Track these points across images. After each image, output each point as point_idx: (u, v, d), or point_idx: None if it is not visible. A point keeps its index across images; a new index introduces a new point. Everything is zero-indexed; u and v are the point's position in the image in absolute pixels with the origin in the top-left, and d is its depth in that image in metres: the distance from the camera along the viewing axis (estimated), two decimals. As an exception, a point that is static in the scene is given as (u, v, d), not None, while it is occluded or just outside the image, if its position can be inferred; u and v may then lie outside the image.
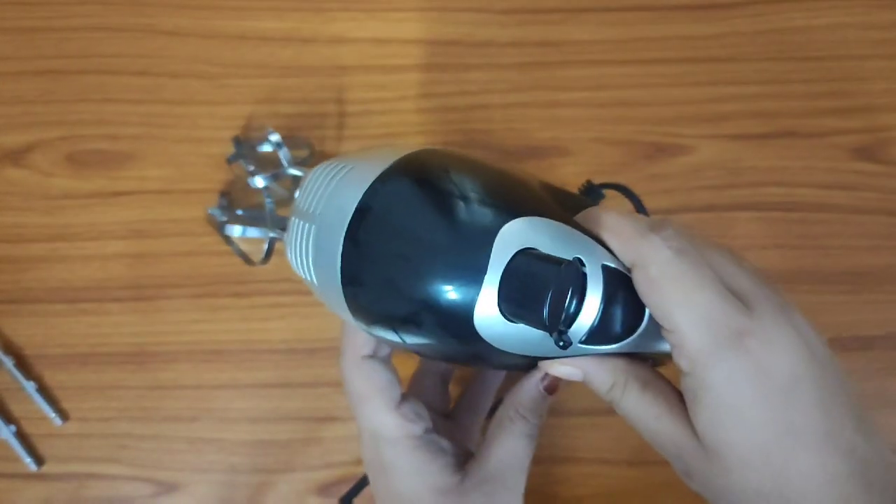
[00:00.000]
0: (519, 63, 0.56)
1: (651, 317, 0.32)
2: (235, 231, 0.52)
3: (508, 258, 0.31)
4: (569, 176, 0.54)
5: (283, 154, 0.51)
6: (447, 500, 0.37)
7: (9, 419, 0.52)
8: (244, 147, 0.52)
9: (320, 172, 0.36)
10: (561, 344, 0.31)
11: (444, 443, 0.39)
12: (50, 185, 0.54)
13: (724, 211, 0.54)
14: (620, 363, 0.34)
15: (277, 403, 0.53)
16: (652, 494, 0.52)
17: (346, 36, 0.55)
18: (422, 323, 0.32)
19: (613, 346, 0.33)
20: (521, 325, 0.31)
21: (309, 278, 0.36)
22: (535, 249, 0.31)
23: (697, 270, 0.31)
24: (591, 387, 0.35)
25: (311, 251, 0.35)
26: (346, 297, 0.34)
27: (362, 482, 0.44)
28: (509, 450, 0.37)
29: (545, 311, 0.29)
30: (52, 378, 0.53)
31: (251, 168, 0.51)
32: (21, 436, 0.52)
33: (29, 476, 0.52)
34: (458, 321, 0.31)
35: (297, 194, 0.38)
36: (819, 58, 0.54)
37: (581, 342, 0.32)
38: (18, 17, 0.54)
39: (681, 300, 0.30)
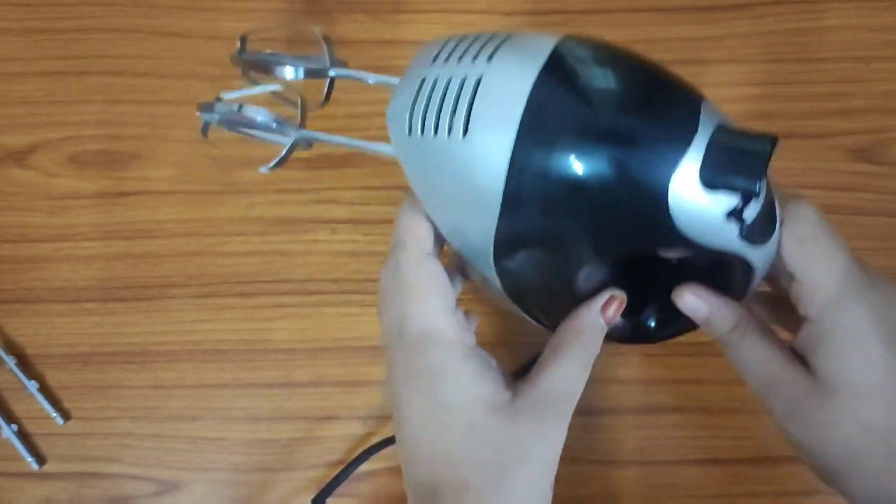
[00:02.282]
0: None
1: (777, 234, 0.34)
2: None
3: (714, 127, 0.31)
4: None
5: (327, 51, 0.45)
6: (496, 415, 0.35)
7: (11, 418, 0.52)
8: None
9: (459, 38, 0.35)
10: (739, 221, 0.32)
11: (493, 360, 0.37)
12: (54, 185, 0.54)
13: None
14: (741, 308, 0.37)
15: (279, 403, 0.53)
16: (652, 495, 0.52)
17: (350, 38, 0.56)
18: (610, 184, 0.31)
19: (758, 246, 0.34)
20: (708, 202, 0.31)
21: (440, 132, 0.33)
22: (726, 124, 0.32)
23: (834, 233, 0.34)
24: (710, 326, 0.37)
25: (469, 102, 0.32)
26: (517, 147, 0.31)
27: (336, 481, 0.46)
28: (563, 375, 0.36)
29: (751, 180, 0.30)
30: (54, 377, 0.53)
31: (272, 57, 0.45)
32: (23, 435, 0.52)
33: (31, 475, 0.52)
34: (654, 179, 0.31)
35: (420, 56, 0.36)
36: (820, 59, 0.54)
37: (739, 235, 0.33)
38: (23, 18, 0.55)
39: (821, 257, 0.34)
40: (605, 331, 0.38)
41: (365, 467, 0.52)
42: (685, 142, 0.31)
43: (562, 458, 0.51)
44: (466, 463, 0.35)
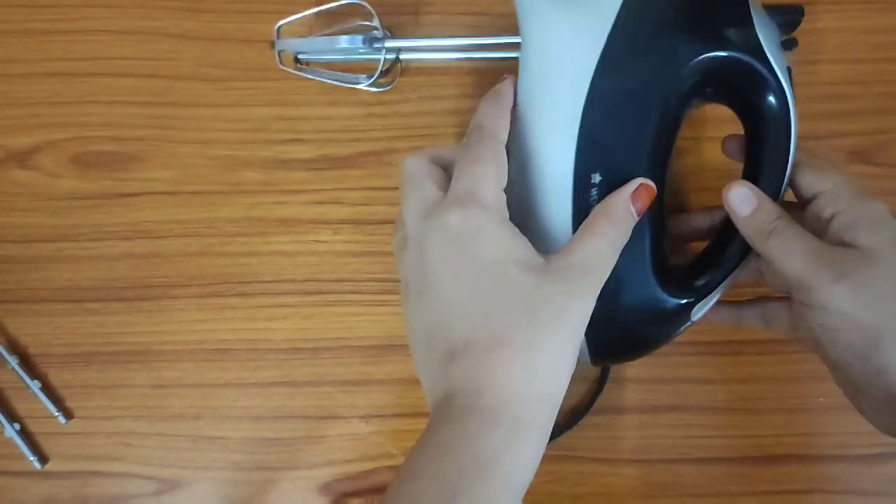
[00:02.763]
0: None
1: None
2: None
3: None
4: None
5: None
6: (532, 273, 0.36)
7: (13, 417, 0.53)
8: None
9: None
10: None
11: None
12: (56, 186, 0.54)
13: (723, 212, 0.54)
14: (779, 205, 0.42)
15: (280, 402, 0.53)
16: (650, 494, 0.53)
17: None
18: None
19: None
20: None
21: None
22: None
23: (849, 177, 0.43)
24: (756, 218, 0.41)
25: None
26: None
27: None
28: (595, 249, 0.38)
29: None
30: (56, 377, 0.53)
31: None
32: (25, 434, 0.53)
33: (33, 474, 0.52)
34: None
35: None
36: (817, 61, 0.54)
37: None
38: (26, 19, 0.55)
39: (835, 174, 0.43)
40: (636, 219, 0.40)
41: (366, 466, 0.53)
42: None
43: (561, 457, 0.52)
44: (501, 316, 0.35)
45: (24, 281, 0.54)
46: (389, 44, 0.51)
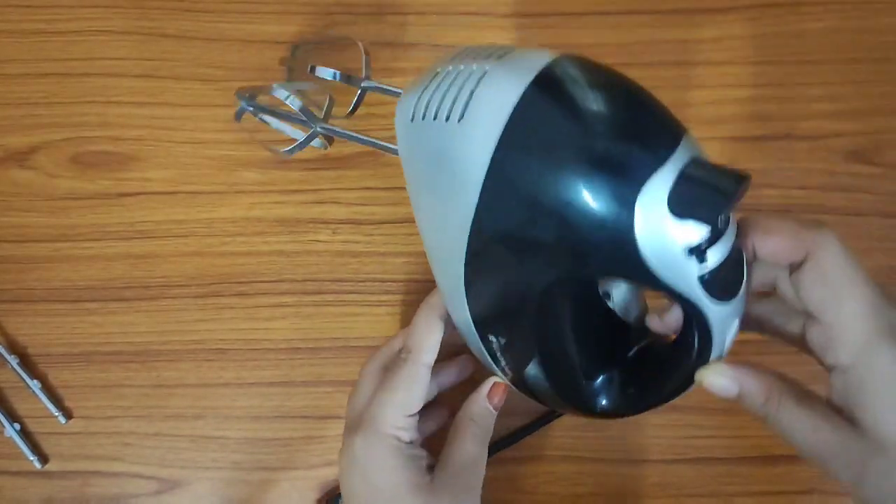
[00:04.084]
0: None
1: (744, 291, 0.34)
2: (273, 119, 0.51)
3: (689, 158, 0.32)
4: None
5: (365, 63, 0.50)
6: (419, 494, 0.41)
7: (13, 417, 0.53)
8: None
9: (480, 46, 0.37)
10: (700, 260, 0.32)
11: (424, 453, 0.44)
12: (54, 186, 0.54)
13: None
14: (773, 377, 0.35)
15: (280, 402, 0.53)
16: (649, 494, 0.53)
17: (348, 39, 0.56)
18: (581, 191, 0.32)
19: (715, 301, 0.34)
20: (673, 230, 0.31)
21: (440, 116, 0.35)
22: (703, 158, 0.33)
23: (859, 266, 0.33)
24: (744, 402, 0.35)
25: (470, 92, 0.34)
26: (502, 139, 0.33)
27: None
28: (465, 452, 0.44)
29: (716, 210, 0.31)
30: (56, 377, 0.53)
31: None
32: (25, 434, 0.53)
33: (33, 474, 0.52)
34: (623, 192, 0.31)
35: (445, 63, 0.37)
36: (815, 61, 0.54)
37: (698, 278, 0.33)
38: (23, 19, 0.55)
39: (846, 294, 0.32)
40: (495, 414, 0.45)
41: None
42: (659, 161, 0.31)
43: (560, 457, 0.52)
44: None
45: (22, 281, 0.54)
46: (319, 125, 0.48)
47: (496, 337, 0.40)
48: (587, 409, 0.42)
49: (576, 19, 0.57)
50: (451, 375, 0.50)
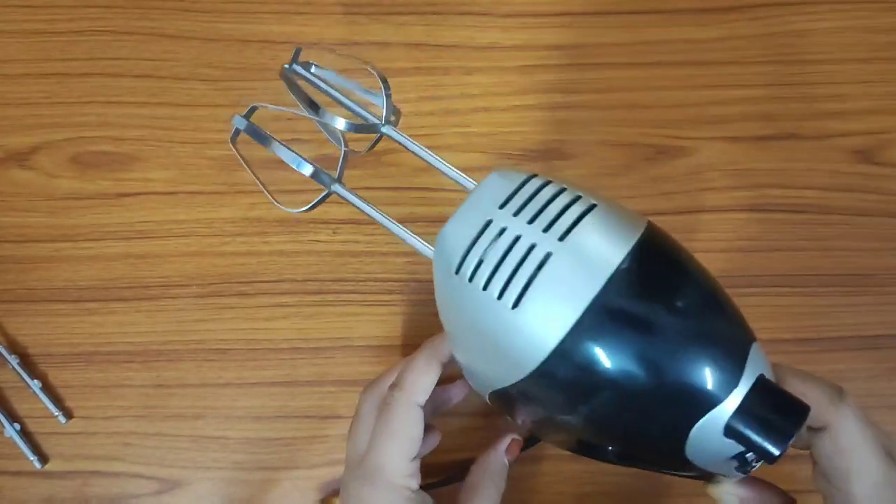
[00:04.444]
0: (521, 66, 0.56)
1: None
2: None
3: (754, 379, 0.32)
4: (570, 178, 0.54)
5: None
6: None
7: (13, 417, 0.53)
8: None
9: (537, 186, 0.34)
10: (743, 469, 0.34)
11: (430, 500, 0.42)
12: (55, 186, 0.54)
13: (725, 213, 0.54)
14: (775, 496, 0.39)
15: (281, 402, 0.53)
16: (656, 493, 0.52)
17: (348, 39, 0.56)
18: (642, 401, 0.31)
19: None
20: (723, 443, 0.32)
21: (490, 289, 0.32)
22: (768, 379, 0.33)
23: (875, 441, 0.35)
24: None
25: (530, 276, 0.32)
26: (566, 342, 0.31)
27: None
28: None
29: (770, 455, 0.31)
30: (56, 376, 0.53)
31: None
32: (25, 434, 0.53)
33: (33, 474, 0.52)
34: (681, 419, 0.32)
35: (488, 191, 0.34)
36: (820, 61, 0.54)
37: (735, 468, 0.34)
38: (24, 19, 0.55)
39: (862, 468, 0.34)
40: (507, 468, 0.46)
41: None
42: (725, 391, 0.31)
43: (568, 457, 0.52)
44: None
45: (23, 281, 0.54)
46: (334, 187, 0.42)
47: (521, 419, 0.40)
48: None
49: (578, 19, 0.56)
50: (447, 401, 0.49)
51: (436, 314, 0.52)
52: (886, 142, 0.54)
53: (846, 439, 0.35)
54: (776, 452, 0.31)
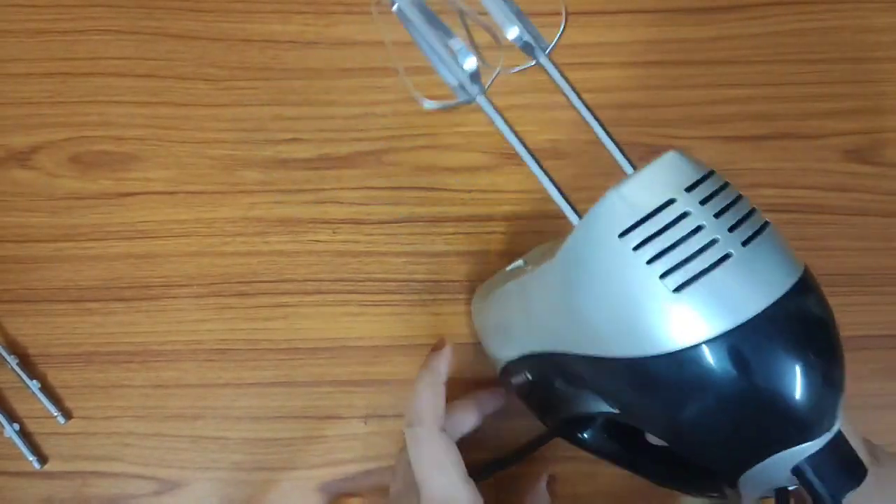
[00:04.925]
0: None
1: None
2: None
3: (837, 430, 0.33)
4: (566, 178, 0.54)
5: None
6: None
7: (12, 417, 0.52)
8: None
9: (724, 182, 0.33)
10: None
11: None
12: (56, 185, 0.54)
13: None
14: None
15: (280, 402, 0.53)
16: (653, 493, 0.52)
17: (349, 39, 0.56)
18: (737, 420, 0.32)
19: None
20: (785, 478, 0.33)
21: (655, 265, 0.31)
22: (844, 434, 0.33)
23: (855, 432, 0.35)
24: None
25: (702, 269, 0.31)
26: (715, 343, 0.30)
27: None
28: None
29: (832, 496, 0.32)
30: (55, 377, 0.53)
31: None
32: (24, 434, 0.52)
33: (32, 474, 0.52)
34: (770, 442, 0.32)
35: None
36: (814, 61, 0.55)
37: None
38: (26, 19, 0.55)
39: None
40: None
41: (366, 466, 0.52)
42: (818, 434, 0.32)
43: (561, 457, 0.52)
44: None
45: (23, 281, 0.54)
46: (480, 98, 0.37)
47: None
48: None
49: (575, 19, 0.57)
50: (488, 406, 0.49)
51: (435, 314, 0.53)
52: (880, 141, 0.54)
53: None
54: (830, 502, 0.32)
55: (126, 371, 0.53)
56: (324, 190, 0.54)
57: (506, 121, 0.37)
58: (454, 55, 0.35)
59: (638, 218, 0.31)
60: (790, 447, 0.32)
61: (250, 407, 0.53)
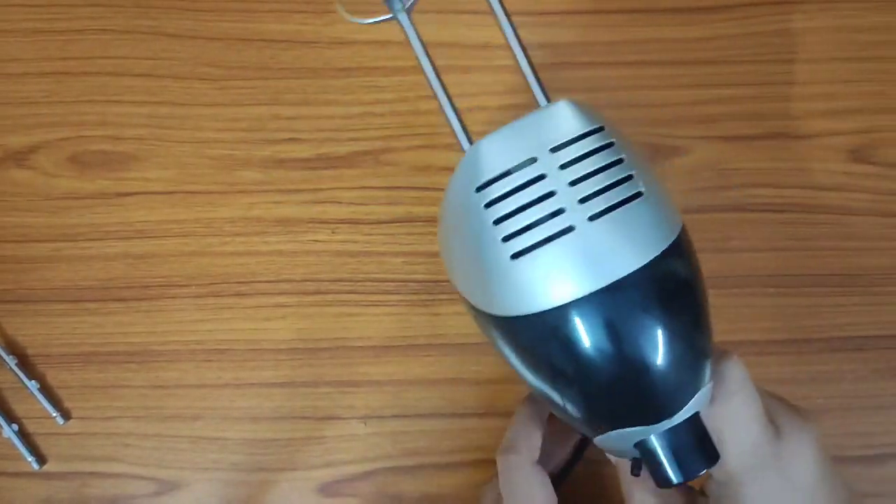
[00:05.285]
0: (515, 65, 0.56)
1: None
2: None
3: (689, 416, 0.33)
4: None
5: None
6: None
7: (11, 418, 0.52)
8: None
9: (597, 141, 0.31)
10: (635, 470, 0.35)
11: None
12: (54, 185, 0.54)
13: (716, 212, 0.54)
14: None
15: (279, 402, 0.53)
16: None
17: (347, 38, 0.56)
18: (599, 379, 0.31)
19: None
20: (633, 450, 0.33)
21: (499, 228, 0.30)
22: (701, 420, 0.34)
23: (756, 397, 0.36)
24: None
25: (542, 239, 0.30)
26: (542, 317, 0.30)
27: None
28: None
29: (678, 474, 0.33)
30: (54, 377, 0.53)
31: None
32: (23, 435, 0.52)
33: (31, 475, 0.52)
34: (618, 416, 0.32)
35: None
36: (809, 60, 0.55)
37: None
38: (23, 18, 0.55)
39: (735, 430, 0.35)
40: None
41: (365, 467, 0.52)
42: (666, 416, 0.32)
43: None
44: None
45: (21, 281, 0.54)
46: (400, 14, 0.39)
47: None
48: None
49: (566, 18, 0.57)
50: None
51: (434, 315, 0.53)
52: (875, 141, 0.54)
53: (733, 384, 0.35)
54: (675, 481, 0.32)
55: (125, 371, 0.53)
56: (322, 190, 0.54)
57: (423, 43, 0.36)
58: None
59: (495, 174, 0.31)
60: (633, 426, 0.32)
61: (249, 407, 0.53)
